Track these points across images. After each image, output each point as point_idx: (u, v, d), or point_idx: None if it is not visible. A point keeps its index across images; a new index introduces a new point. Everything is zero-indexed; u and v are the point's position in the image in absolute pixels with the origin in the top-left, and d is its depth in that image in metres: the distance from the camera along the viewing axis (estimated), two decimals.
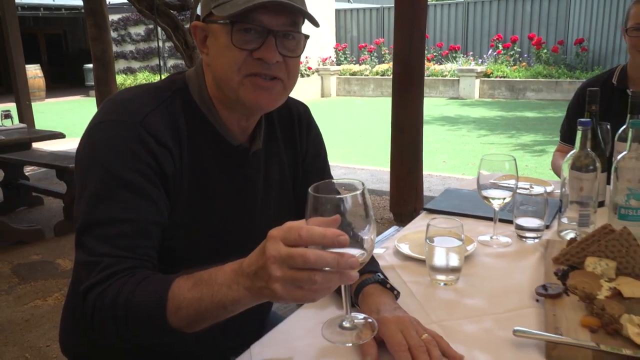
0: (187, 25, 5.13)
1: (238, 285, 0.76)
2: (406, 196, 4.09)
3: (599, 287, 1.08)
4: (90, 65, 15.46)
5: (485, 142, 7.50)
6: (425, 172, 5.76)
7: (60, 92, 16.98)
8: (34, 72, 14.16)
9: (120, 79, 14.63)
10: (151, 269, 0.93)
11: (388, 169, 4.34)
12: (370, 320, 0.88)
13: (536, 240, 1.41)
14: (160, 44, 14.30)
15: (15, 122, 4.52)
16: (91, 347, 1.13)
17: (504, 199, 1.37)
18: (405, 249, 1.36)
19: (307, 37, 1.02)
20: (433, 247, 1.17)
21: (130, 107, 0.97)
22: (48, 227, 4.21)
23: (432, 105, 11.52)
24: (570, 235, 1.40)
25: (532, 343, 0.94)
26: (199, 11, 1.00)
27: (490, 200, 1.38)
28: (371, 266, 1.12)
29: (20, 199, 4.85)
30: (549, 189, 1.82)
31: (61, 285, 3.23)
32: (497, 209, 1.40)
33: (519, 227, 1.43)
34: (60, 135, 3.97)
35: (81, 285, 0.89)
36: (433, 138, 7.85)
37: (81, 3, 14.51)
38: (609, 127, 1.75)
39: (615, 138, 1.63)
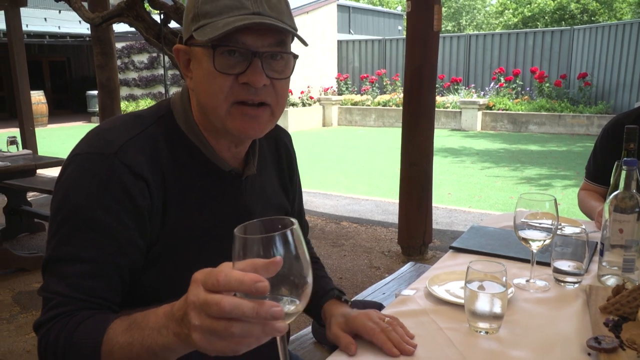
0: None
1: (168, 330, 0.70)
2: (415, 229, 4.02)
3: None
4: (93, 92, 15.66)
5: (490, 174, 7.46)
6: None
7: (63, 118, 17.05)
8: (37, 98, 14.21)
9: (122, 106, 14.66)
10: (106, 308, 0.89)
11: (393, 199, 4.30)
12: None
13: (576, 286, 1.34)
14: (164, 71, 14.41)
15: (20, 148, 4.46)
16: None
17: (544, 240, 1.30)
18: (440, 292, 1.29)
19: (296, 56, 0.97)
20: (475, 293, 1.10)
21: (107, 138, 0.93)
22: None
23: (435, 137, 11.52)
24: (611, 280, 1.34)
25: None
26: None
27: (530, 242, 1.31)
28: (329, 284, 1.24)
29: (22, 224, 4.78)
30: (578, 229, 1.76)
31: None
32: (535, 250, 1.33)
33: (557, 271, 1.36)
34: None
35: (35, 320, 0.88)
36: (437, 170, 7.78)
37: (86, 31, 14.59)
38: None
39: None
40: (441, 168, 7.94)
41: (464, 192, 6.51)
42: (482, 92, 13.52)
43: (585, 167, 2.16)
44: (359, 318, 1.10)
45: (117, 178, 0.89)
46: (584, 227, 1.76)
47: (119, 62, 16.16)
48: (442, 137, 11.40)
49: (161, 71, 15.88)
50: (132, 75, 16.58)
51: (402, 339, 1.05)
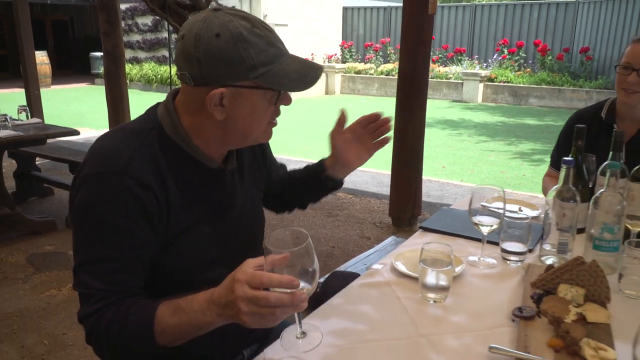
0: None
1: (210, 311, 0.98)
2: (405, 203, 4.25)
3: (567, 311, 1.24)
4: (97, 54, 15.70)
5: (485, 148, 7.66)
6: (425, 177, 5.91)
7: (66, 79, 17.12)
8: (40, 58, 14.27)
9: (127, 68, 14.75)
10: (137, 295, 1.11)
11: (388, 171, 4.49)
12: (316, 326, 1.17)
13: (519, 264, 1.57)
14: (168, 35, 14.39)
15: (29, 117, 4.66)
16: None
17: (492, 225, 1.53)
18: (401, 267, 1.52)
19: None
20: (425, 269, 1.33)
21: (112, 156, 1.09)
22: (59, 218, 4.38)
23: (435, 108, 11.65)
24: (549, 260, 1.56)
25: (504, 358, 1.10)
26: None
27: (480, 226, 1.54)
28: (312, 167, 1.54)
29: (32, 189, 5.02)
30: (536, 213, 1.98)
31: None
32: (485, 233, 1.56)
33: (504, 251, 1.59)
34: (75, 132, 4.13)
35: (78, 312, 1.09)
36: (434, 142, 8.00)
37: None
38: (594, 159, 1.89)
39: (598, 172, 1.77)
40: (438, 141, 8.12)
41: (458, 165, 6.71)
42: (485, 64, 13.56)
43: (551, 155, 2.36)
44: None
45: (129, 190, 1.06)
46: (540, 210, 1.98)
47: (122, 24, 16.09)
48: (442, 109, 11.53)
49: (165, 34, 15.86)
50: (136, 37, 16.56)
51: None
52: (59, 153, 4.58)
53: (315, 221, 4.61)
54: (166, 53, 15.89)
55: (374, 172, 6.24)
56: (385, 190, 5.37)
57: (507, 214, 1.64)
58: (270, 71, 1.08)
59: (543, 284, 1.37)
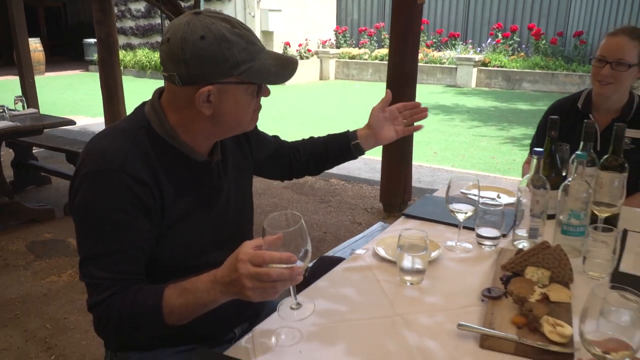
0: None
1: (215, 290, 1.08)
2: (395, 189, 4.35)
3: (532, 292, 1.35)
4: (90, 40, 15.59)
5: (477, 133, 7.75)
6: (416, 162, 6.03)
7: (60, 66, 17.07)
8: (34, 45, 14.19)
9: (120, 55, 14.72)
10: (141, 280, 1.21)
11: (380, 157, 4.59)
12: (308, 300, 1.30)
13: (492, 248, 1.67)
14: (161, 21, 14.36)
15: (25, 107, 4.72)
16: None
17: (467, 213, 1.63)
18: (382, 252, 1.62)
19: None
20: (402, 254, 1.43)
21: (109, 155, 1.16)
22: (57, 206, 4.47)
23: (429, 93, 11.73)
24: (521, 245, 1.67)
25: (472, 335, 1.21)
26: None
27: (456, 213, 1.64)
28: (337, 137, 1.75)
29: (29, 178, 5.10)
30: (513, 199, 2.08)
31: (73, 263, 3.50)
32: (461, 220, 1.66)
33: (479, 236, 1.70)
34: (71, 122, 4.20)
35: (87, 301, 1.18)
36: (427, 128, 8.01)
37: None
38: (567, 147, 1.98)
39: (570, 160, 1.87)
40: (431, 126, 8.20)
41: (450, 151, 6.81)
42: (479, 49, 13.60)
43: (530, 142, 2.46)
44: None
45: (127, 187, 1.15)
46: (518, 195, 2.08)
47: (115, 10, 16.03)
48: (436, 94, 11.60)
49: (159, 20, 15.81)
50: (129, 23, 16.50)
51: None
52: (56, 142, 4.66)
53: (308, 207, 4.71)
54: (159, 39, 15.84)
55: (367, 159, 6.33)
56: (377, 176, 5.45)
57: (484, 200, 1.74)
58: (251, 67, 1.18)
59: (512, 266, 1.48)
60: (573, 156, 1.80)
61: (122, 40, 16.34)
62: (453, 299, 1.39)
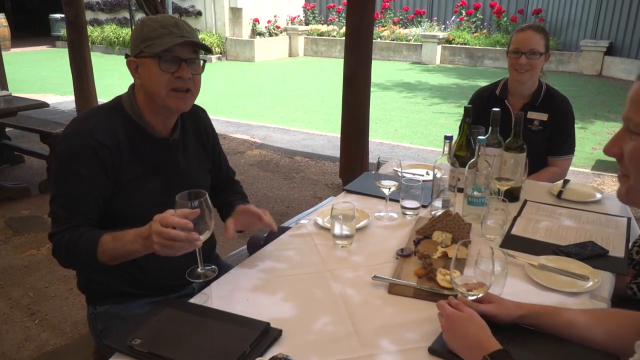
0: None
1: (137, 242, 1.39)
2: (353, 165, 4.68)
3: (435, 250, 1.69)
4: (57, 15, 15.36)
5: (437, 111, 8.11)
6: (377, 140, 6.38)
7: (26, 42, 16.79)
8: None
9: (88, 31, 14.60)
10: (91, 225, 1.53)
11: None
12: (213, 268, 1.52)
13: (413, 217, 2.01)
14: None
15: None
16: (98, 284, 1.71)
17: (391, 188, 1.96)
18: (320, 221, 1.95)
19: (205, 61, 1.64)
20: (333, 222, 1.76)
21: (83, 123, 1.56)
22: (32, 184, 4.68)
23: (395, 70, 12.05)
24: (438, 214, 2.01)
25: (383, 284, 1.55)
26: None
27: (382, 188, 1.97)
28: (242, 200, 1.89)
29: (3, 157, 5.26)
30: (440, 174, 2.41)
31: None
32: (387, 193, 1.99)
33: (403, 207, 2.03)
34: (44, 105, 4.38)
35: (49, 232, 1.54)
36: (390, 105, 8.42)
37: None
38: (482, 130, 2.32)
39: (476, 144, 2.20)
40: (394, 104, 8.54)
41: (410, 128, 7.15)
42: (444, 26, 13.91)
43: (459, 126, 2.80)
44: (249, 208, 1.77)
45: (92, 147, 1.51)
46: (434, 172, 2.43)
47: None
48: (401, 71, 11.92)
49: None
50: None
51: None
52: (29, 123, 4.82)
53: (273, 183, 5.02)
54: (127, 15, 15.72)
55: (331, 136, 6.64)
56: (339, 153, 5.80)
57: (410, 177, 2.07)
58: (154, 43, 1.51)
59: (423, 231, 1.82)
60: (486, 136, 2.15)
61: (89, 15, 16.12)
62: (373, 258, 1.72)
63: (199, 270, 1.49)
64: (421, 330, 1.34)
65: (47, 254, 3.53)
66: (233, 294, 1.52)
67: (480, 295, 1.33)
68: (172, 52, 1.51)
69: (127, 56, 1.60)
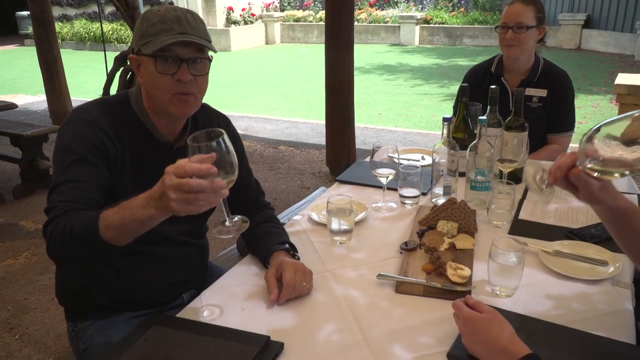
0: None
1: (149, 205, 1.10)
2: (340, 152, 4.55)
3: (442, 242, 1.57)
4: (24, 13, 14.86)
5: (420, 92, 8.00)
6: (362, 125, 6.25)
7: None
8: None
9: (57, 27, 14.17)
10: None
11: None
12: (244, 218, 1.19)
13: (413, 206, 1.89)
14: None
15: None
16: (79, 297, 1.55)
17: (388, 176, 1.83)
18: (315, 217, 1.81)
19: (210, 59, 1.42)
20: (330, 217, 1.62)
21: (87, 112, 1.42)
22: (6, 190, 4.45)
23: (374, 53, 11.90)
24: (439, 201, 1.89)
25: (389, 282, 1.42)
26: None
27: (379, 177, 1.84)
28: (281, 238, 1.56)
29: None
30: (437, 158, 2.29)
31: (28, 245, 3.57)
32: (384, 183, 1.86)
33: (401, 196, 1.90)
34: (13, 106, 4.17)
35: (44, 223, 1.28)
36: (372, 89, 8.29)
37: None
38: (480, 106, 2.19)
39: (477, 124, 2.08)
40: (376, 87, 8.40)
41: (394, 111, 7.03)
42: (421, 6, 13.77)
43: (453, 106, 2.68)
44: (289, 266, 1.39)
45: (96, 135, 1.37)
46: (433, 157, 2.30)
47: None
48: (381, 53, 11.77)
49: None
50: None
51: (287, 296, 1.36)
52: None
53: (258, 175, 4.86)
54: (96, 9, 15.29)
55: (314, 123, 6.49)
56: (324, 140, 5.66)
57: (407, 163, 1.94)
58: (150, 41, 1.33)
59: (427, 221, 1.69)
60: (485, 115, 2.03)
61: (57, 11, 15.66)
62: (376, 253, 1.60)
63: (227, 223, 1.18)
64: (436, 333, 1.22)
65: (25, 262, 3.35)
66: (226, 303, 1.38)
67: None
68: (170, 51, 1.32)
69: (130, 52, 1.43)
